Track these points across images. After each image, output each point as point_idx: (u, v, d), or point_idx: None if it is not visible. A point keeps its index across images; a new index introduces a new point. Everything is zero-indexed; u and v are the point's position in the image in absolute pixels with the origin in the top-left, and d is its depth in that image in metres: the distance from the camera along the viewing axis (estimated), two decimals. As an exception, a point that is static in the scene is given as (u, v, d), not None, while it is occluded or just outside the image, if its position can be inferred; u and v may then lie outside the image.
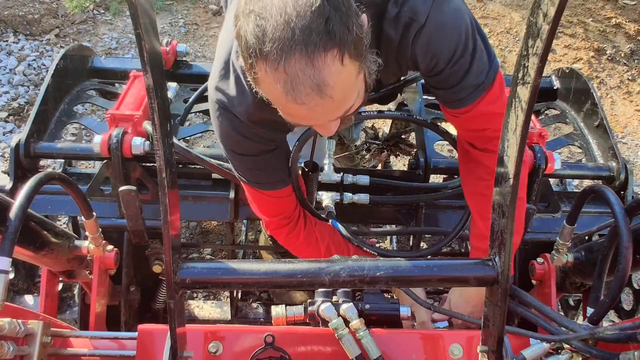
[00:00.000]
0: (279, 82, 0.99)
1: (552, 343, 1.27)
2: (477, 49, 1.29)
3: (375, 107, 1.92)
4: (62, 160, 2.11)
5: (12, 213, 1.11)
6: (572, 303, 2.16)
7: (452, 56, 1.26)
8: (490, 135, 1.42)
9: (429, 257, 1.85)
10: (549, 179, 1.93)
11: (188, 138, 2.34)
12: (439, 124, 1.71)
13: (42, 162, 2.15)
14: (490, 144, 1.45)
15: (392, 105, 2.39)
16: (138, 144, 1.75)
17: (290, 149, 1.54)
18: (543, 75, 1.24)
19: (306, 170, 1.67)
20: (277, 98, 1.05)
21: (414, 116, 1.81)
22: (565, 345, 1.28)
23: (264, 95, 1.10)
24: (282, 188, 1.52)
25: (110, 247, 1.64)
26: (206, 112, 1.97)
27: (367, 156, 2.84)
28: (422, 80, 2.17)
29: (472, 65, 1.29)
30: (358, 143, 3.04)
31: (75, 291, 2.01)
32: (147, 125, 1.81)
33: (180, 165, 1.94)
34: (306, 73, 0.97)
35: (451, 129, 1.69)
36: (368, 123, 2.82)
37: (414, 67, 1.35)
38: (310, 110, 1.03)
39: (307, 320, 1.38)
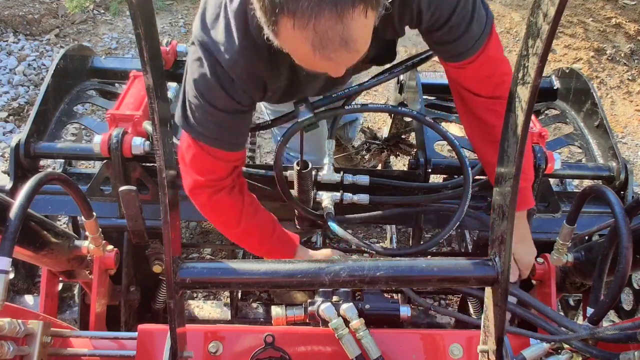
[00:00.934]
0: (307, 39, 1.02)
1: (552, 343, 1.27)
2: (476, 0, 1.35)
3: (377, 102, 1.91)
4: (62, 160, 2.12)
5: (12, 213, 1.12)
6: (572, 303, 2.15)
7: (456, 7, 1.30)
8: (497, 81, 1.45)
9: (428, 257, 1.85)
10: (549, 179, 1.93)
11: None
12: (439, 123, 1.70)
13: (42, 162, 2.15)
14: (498, 90, 1.46)
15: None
16: (138, 144, 1.75)
17: (275, 144, 1.51)
18: (543, 75, 1.25)
19: (297, 168, 1.67)
20: (303, 54, 1.07)
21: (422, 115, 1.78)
22: (565, 345, 1.28)
23: (283, 47, 1.10)
24: (234, 151, 1.47)
25: (110, 247, 1.64)
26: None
27: (367, 156, 2.84)
28: (422, 80, 2.20)
29: (473, 15, 1.33)
30: (357, 143, 3.04)
31: (75, 291, 2.01)
32: (147, 125, 1.81)
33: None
34: (335, 30, 1.00)
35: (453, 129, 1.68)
36: (365, 123, 2.81)
37: (416, 22, 1.37)
38: (337, 64, 1.08)
39: (307, 320, 1.39)
